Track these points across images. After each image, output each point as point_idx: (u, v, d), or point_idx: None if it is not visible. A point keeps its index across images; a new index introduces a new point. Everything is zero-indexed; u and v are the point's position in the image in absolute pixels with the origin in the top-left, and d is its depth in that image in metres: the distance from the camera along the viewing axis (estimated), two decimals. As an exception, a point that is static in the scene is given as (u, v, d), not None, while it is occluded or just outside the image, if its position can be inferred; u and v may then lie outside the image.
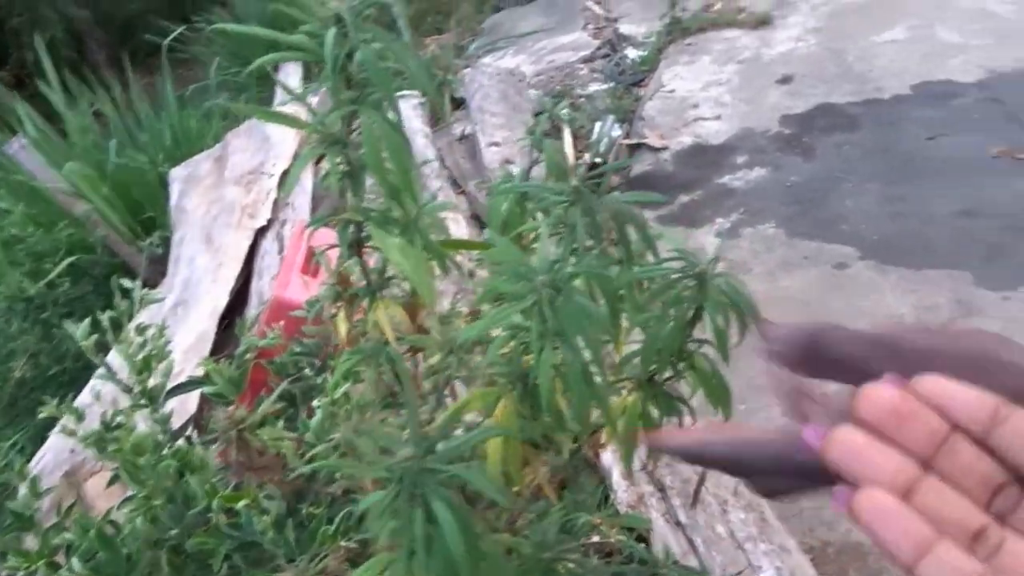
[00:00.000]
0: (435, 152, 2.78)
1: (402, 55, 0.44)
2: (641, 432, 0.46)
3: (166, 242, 2.58)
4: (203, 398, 1.50)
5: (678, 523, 1.26)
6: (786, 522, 1.35)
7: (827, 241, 2.40)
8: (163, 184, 2.81)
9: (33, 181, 2.84)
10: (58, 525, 0.98)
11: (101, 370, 1.08)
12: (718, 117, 3.11)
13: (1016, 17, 3.23)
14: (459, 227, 2.25)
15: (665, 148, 3.00)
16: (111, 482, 1.06)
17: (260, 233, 2.31)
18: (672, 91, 3.32)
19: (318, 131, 0.45)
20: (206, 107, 3.54)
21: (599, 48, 3.82)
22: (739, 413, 1.24)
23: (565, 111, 3.18)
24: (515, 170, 0.94)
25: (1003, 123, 2.68)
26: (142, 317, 1.16)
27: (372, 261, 0.63)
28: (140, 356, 1.06)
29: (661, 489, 1.33)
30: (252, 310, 1.96)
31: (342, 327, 0.58)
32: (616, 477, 1.33)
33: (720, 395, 0.58)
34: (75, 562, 0.88)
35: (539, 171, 0.77)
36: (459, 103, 3.33)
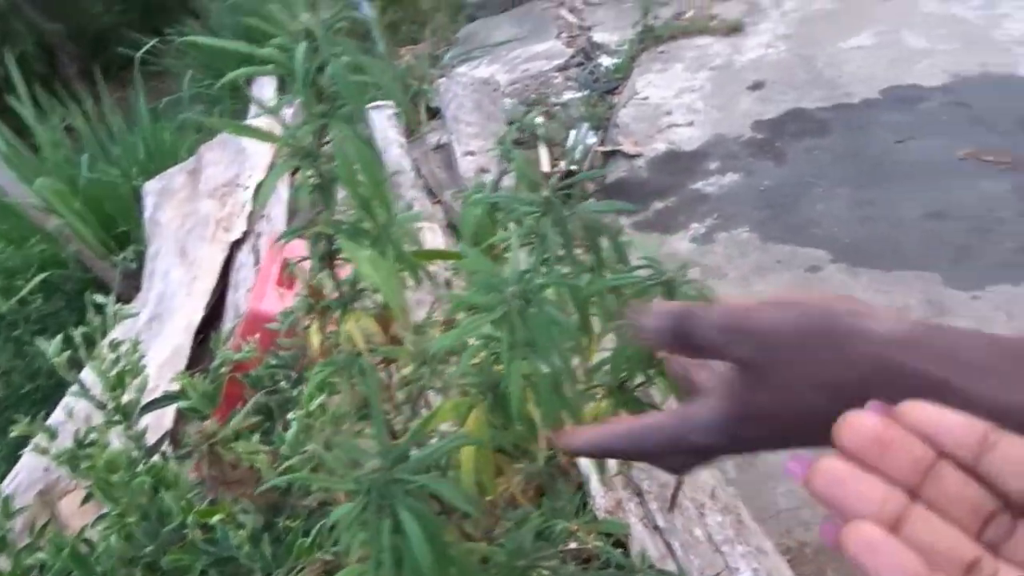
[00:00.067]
0: (410, 162, 2.78)
1: (373, 68, 0.44)
2: (550, 433, 0.47)
3: (140, 256, 2.55)
4: (179, 413, 1.49)
5: (656, 527, 1.27)
6: (763, 524, 1.36)
7: (800, 245, 2.43)
8: (137, 198, 2.79)
9: (4, 197, 2.81)
10: (31, 545, 0.97)
11: (74, 387, 1.07)
12: (691, 124, 3.14)
13: (981, 22, 3.29)
14: (436, 237, 2.25)
15: (639, 155, 3.02)
16: (85, 500, 1.05)
17: (236, 246, 2.30)
18: (646, 98, 3.35)
19: (289, 144, 0.46)
20: (180, 120, 3.52)
21: (573, 56, 3.85)
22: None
23: (538, 120, 3.20)
24: (490, 179, 0.95)
25: (969, 126, 2.73)
26: (116, 332, 1.15)
27: (346, 273, 0.64)
28: (113, 372, 1.05)
29: (639, 494, 1.33)
30: (228, 323, 1.95)
31: (315, 339, 0.58)
32: (594, 483, 1.34)
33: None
34: (49, 582, 0.87)
35: (513, 180, 0.78)
36: (434, 113, 3.33)
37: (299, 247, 0.65)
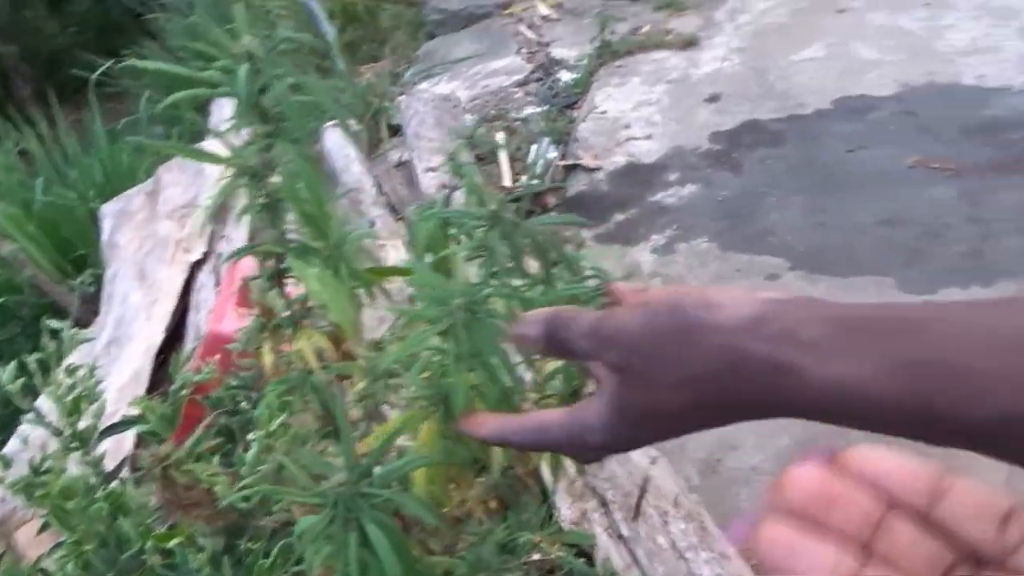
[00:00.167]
0: (372, 180, 2.78)
1: (317, 88, 0.45)
2: (459, 418, 0.47)
3: (98, 280, 2.52)
4: (140, 437, 1.47)
5: (620, 536, 1.28)
6: (726, 530, 1.38)
7: (758, 253, 2.47)
8: (94, 220, 2.75)
9: (-45, 222, 2.76)
10: (-15, 577, 0.95)
11: (30, 415, 1.05)
12: (650, 136, 3.18)
13: (927, 34, 3.39)
14: (399, 253, 2.25)
15: (599, 168, 3.05)
16: (41, 529, 1.03)
17: (196, 267, 2.28)
18: (604, 112, 3.39)
19: (235, 164, 0.46)
20: (137, 141, 3.48)
21: (533, 72, 3.89)
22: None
23: (499, 136, 3.22)
24: (458, 196, 0.96)
25: (916, 135, 2.81)
26: (73, 358, 1.14)
27: (298, 291, 0.64)
28: (70, 398, 1.04)
29: (604, 504, 1.34)
30: (189, 345, 1.93)
31: (267, 359, 0.59)
32: (559, 495, 1.35)
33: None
34: (4, 613, 0.86)
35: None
36: (396, 130, 3.34)
37: (255, 267, 0.65)
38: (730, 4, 4.04)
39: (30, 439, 1.06)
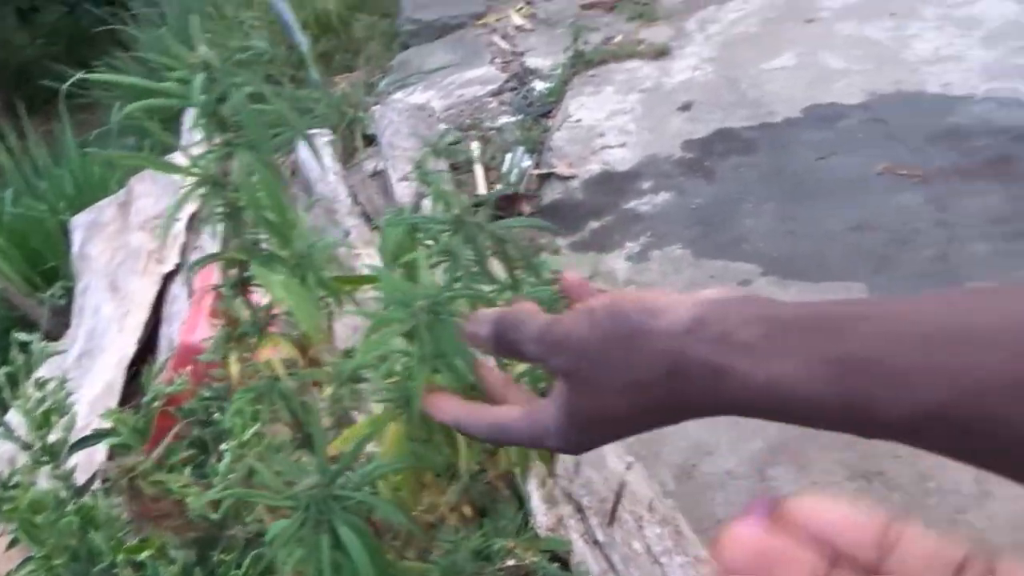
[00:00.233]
0: (347, 189, 2.78)
1: (273, 98, 0.46)
2: (422, 395, 0.47)
3: (69, 292, 2.49)
4: (112, 450, 1.46)
5: (596, 542, 1.28)
6: (701, 534, 1.39)
7: (731, 260, 2.50)
8: (64, 232, 2.73)
9: (-78, 236, 2.72)
10: (-48, 594, 0.94)
11: (-2, 429, 1.04)
12: (623, 145, 3.21)
13: (893, 44, 3.45)
14: (374, 262, 2.25)
15: (574, 176, 3.07)
16: (11, 545, 1.02)
17: (169, 278, 2.26)
18: (579, 121, 3.42)
19: (194, 174, 0.47)
20: (105, 155, 3.46)
21: (507, 81, 3.91)
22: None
23: (473, 145, 3.23)
24: (427, 204, 0.96)
25: (884, 142, 2.86)
26: (43, 371, 1.13)
27: (267, 299, 0.64)
28: (39, 411, 1.03)
29: (579, 510, 1.35)
30: (162, 357, 1.92)
31: (233, 368, 0.59)
32: (535, 501, 1.35)
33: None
34: (-29, 630, 0.85)
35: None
36: (371, 140, 3.34)
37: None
38: (700, 14, 4.09)
39: (-2, 453, 1.05)
